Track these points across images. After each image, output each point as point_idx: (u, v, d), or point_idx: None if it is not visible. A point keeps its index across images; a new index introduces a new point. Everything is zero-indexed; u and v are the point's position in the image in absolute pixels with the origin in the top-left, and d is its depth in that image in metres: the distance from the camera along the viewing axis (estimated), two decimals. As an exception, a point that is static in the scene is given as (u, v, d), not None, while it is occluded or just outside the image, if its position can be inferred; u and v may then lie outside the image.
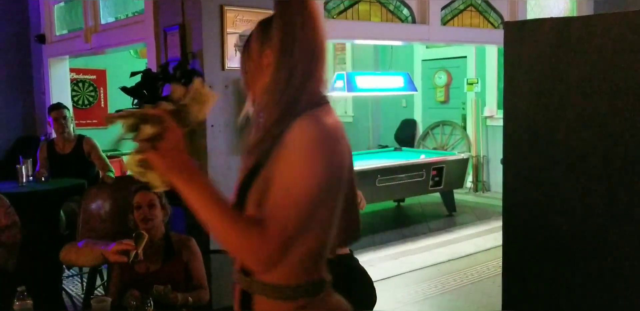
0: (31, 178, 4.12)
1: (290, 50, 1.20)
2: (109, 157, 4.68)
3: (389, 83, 6.21)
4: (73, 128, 4.49)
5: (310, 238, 1.18)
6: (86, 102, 7.51)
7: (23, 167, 4.07)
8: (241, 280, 1.25)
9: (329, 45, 8.02)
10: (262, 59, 1.26)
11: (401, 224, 6.01)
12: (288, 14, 1.21)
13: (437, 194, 6.33)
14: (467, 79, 7.59)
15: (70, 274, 3.92)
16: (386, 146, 7.74)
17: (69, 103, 5.80)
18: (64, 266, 2.40)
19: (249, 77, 1.31)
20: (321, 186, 1.13)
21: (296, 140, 1.14)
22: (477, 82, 7.50)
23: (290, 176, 1.12)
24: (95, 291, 3.01)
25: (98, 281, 3.19)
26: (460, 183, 6.25)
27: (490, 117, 7.53)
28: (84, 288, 3.64)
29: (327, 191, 1.15)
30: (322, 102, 1.25)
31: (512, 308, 2.83)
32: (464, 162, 6.20)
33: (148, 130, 1.05)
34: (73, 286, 3.93)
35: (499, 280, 3.09)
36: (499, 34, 2.92)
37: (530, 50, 2.70)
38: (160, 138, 1.07)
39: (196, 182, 1.10)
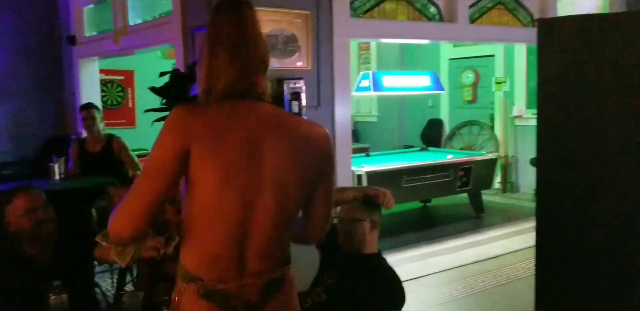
0: (63, 175, 4.20)
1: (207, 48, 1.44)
2: (138, 156, 4.74)
3: (415, 82, 6.16)
4: (103, 128, 4.56)
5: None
6: (114, 102, 7.62)
7: (56, 165, 4.16)
8: None
9: (353, 43, 7.98)
10: None
11: (427, 225, 5.95)
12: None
13: (465, 195, 6.26)
14: (495, 78, 7.49)
15: (101, 270, 3.97)
16: (412, 146, 7.69)
17: (98, 103, 5.89)
18: (95, 262, 2.44)
19: None
20: (152, 161, 1.36)
21: None
22: (506, 82, 7.39)
23: None
24: (125, 287, 3.05)
25: (128, 278, 3.23)
26: (488, 184, 6.17)
27: (519, 117, 7.41)
28: (114, 284, 3.70)
29: (155, 168, 1.36)
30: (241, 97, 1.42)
31: (545, 307, 2.77)
32: (492, 162, 6.11)
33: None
34: (103, 282, 3.99)
35: (529, 282, 3.03)
36: (529, 32, 2.87)
37: (564, 48, 2.65)
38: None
39: None
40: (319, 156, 1.47)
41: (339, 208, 2.45)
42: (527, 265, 4.48)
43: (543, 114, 2.78)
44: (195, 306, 1.37)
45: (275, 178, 1.39)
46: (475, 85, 8.16)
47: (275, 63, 3.71)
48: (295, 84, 3.71)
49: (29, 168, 5.76)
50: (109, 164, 4.46)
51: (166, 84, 3.68)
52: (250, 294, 1.39)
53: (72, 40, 5.96)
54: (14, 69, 5.92)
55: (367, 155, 6.31)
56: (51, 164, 4.17)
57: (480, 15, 5.22)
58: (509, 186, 7.42)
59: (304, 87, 3.76)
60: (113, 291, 3.56)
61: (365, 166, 5.16)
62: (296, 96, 3.72)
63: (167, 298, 1.99)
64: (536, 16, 5.51)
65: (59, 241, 2.29)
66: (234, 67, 1.39)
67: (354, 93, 5.55)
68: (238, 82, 1.40)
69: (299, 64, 3.86)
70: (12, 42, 5.92)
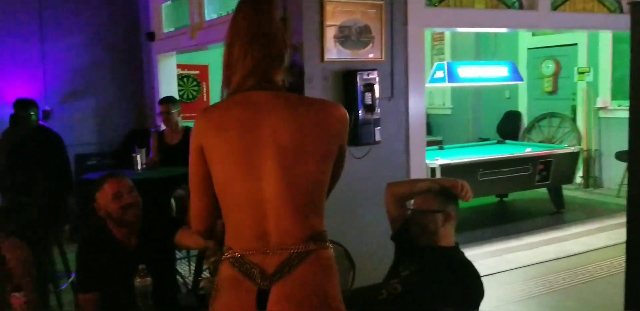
0: (144, 165, 4.38)
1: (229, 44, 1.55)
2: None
3: (492, 73, 5.97)
4: (180, 121, 4.70)
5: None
6: (190, 96, 7.83)
7: (138, 156, 4.34)
8: None
9: (426, 33, 7.84)
10: None
11: (504, 221, 5.76)
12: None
13: (543, 190, 6.02)
14: (578, 68, 7.14)
15: (179, 257, 4.11)
16: (487, 139, 7.46)
17: (175, 97, 6.09)
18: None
19: None
20: (190, 159, 1.56)
21: None
22: (589, 71, 7.03)
23: None
24: (202, 274, 3.13)
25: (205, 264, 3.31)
26: (569, 179, 5.89)
27: (604, 108, 7.04)
28: (192, 270, 3.81)
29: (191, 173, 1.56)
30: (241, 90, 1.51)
31: (636, 306, 2.62)
32: (574, 156, 5.84)
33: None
34: (181, 269, 4.13)
35: (614, 280, 2.89)
36: (616, 18, 2.68)
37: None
38: None
39: None
40: (327, 122, 1.51)
41: (412, 201, 2.40)
42: (612, 263, 4.26)
43: (636, 106, 2.61)
44: (227, 272, 1.49)
45: (278, 149, 1.46)
46: (555, 75, 7.81)
47: (348, 55, 3.68)
48: (368, 75, 3.67)
49: (112, 159, 6.04)
50: (186, 155, 4.57)
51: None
52: (269, 266, 1.45)
53: (151, 36, 6.17)
54: (98, 64, 6.21)
55: (441, 148, 6.18)
56: (134, 154, 4.35)
57: (563, 2, 4.97)
58: (591, 181, 7.08)
59: (377, 79, 3.71)
60: (191, 278, 3.67)
61: (439, 159, 5.06)
62: (369, 87, 3.68)
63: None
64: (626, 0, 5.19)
65: (143, 227, 2.37)
66: (248, 61, 1.49)
67: (428, 84, 5.44)
68: (251, 76, 1.49)
69: (372, 55, 3.81)
70: (95, 38, 6.21)
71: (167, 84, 6.24)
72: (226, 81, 1.54)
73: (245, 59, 1.49)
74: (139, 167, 4.34)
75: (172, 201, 4.13)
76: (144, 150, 4.44)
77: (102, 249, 2.35)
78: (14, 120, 3.56)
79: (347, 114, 1.57)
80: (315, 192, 1.50)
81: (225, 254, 1.51)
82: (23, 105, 3.64)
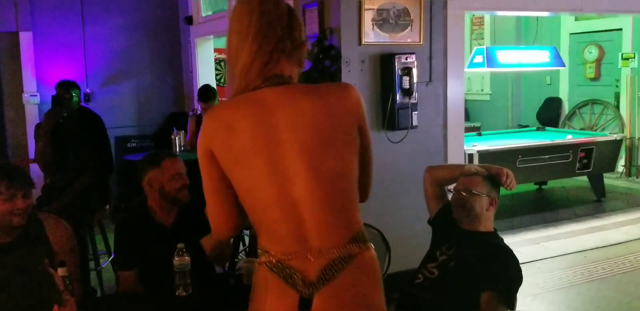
0: (182, 148, 4.46)
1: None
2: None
3: (533, 58, 5.81)
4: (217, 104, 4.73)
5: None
6: (226, 80, 7.90)
7: (177, 137, 4.43)
8: None
9: (466, 18, 7.69)
10: None
11: (543, 208, 5.66)
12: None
13: (584, 178, 5.89)
14: (622, 54, 6.93)
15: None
16: (526, 126, 7.32)
17: (212, 81, 6.13)
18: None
19: None
20: (200, 162, 1.44)
21: None
22: (634, 57, 6.81)
23: None
24: (240, 255, 3.18)
25: (240, 247, 3.36)
26: (611, 167, 5.75)
27: (649, 95, 6.82)
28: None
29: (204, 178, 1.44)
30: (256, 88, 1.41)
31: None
32: (617, 144, 5.68)
33: None
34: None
35: (658, 271, 2.81)
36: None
37: None
38: None
39: None
40: (343, 107, 1.42)
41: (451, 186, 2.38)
42: (654, 253, 4.16)
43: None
44: (266, 276, 1.38)
45: (301, 145, 1.36)
46: (599, 61, 7.59)
47: (386, 38, 3.64)
48: (407, 59, 3.62)
49: (152, 141, 6.15)
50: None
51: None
52: (311, 272, 1.35)
53: (189, 20, 6.22)
54: (138, 48, 6.28)
55: (479, 134, 6.10)
56: (172, 136, 4.43)
57: (609, -16, 4.81)
58: (634, 169, 6.89)
59: (415, 63, 3.66)
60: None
61: (477, 145, 4.99)
62: (407, 71, 3.63)
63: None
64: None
65: (183, 206, 2.42)
66: (252, 55, 1.39)
67: (466, 69, 5.35)
68: (257, 72, 1.39)
69: (410, 39, 3.75)
70: (135, 22, 6.27)
71: (205, 68, 6.29)
72: (231, 79, 1.44)
73: (249, 54, 1.39)
74: (177, 149, 4.42)
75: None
76: (182, 132, 4.52)
77: (141, 227, 2.40)
78: (56, 101, 3.63)
79: (359, 95, 1.46)
80: (347, 185, 1.40)
81: (261, 257, 1.40)
82: (65, 86, 3.70)
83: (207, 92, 4.69)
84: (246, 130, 1.36)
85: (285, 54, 1.41)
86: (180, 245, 2.04)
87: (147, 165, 2.43)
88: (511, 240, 4.47)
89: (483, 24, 8.68)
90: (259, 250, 1.42)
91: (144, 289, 2.32)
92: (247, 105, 1.39)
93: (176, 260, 2.03)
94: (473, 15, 8.51)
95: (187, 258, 2.03)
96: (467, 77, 8.26)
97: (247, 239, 3.21)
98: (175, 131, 4.53)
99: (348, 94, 1.43)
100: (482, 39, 8.70)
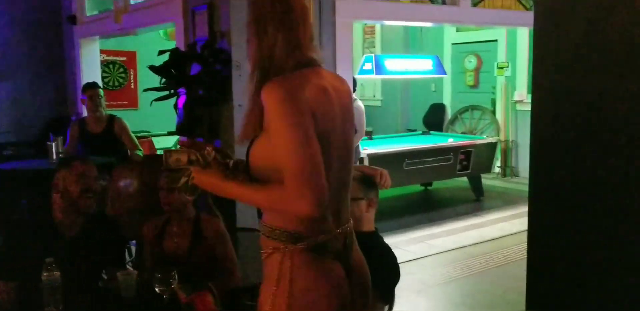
0: (61, 155, 4.20)
1: (263, 26, 1.43)
2: (138, 138, 4.74)
3: (418, 66, 6.14)
4: (104, 108, 4.55)
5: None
6: (116, 83, 7.61)
7: (53, 144, 4.14)
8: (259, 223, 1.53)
9: (358, 27, 7.92)
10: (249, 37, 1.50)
11: (428, 208, 5.99)
12: None
13: (465, 179, 6.28)
14: (498, 63, 7.46)
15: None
16: (414, 130, 7.68)
17: (99, 84, 5.89)
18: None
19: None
20: (301, 135, 1.33)
21: (267, 103, 1.36)
22: (508, 66, 7.37)
23: (277, 134, 1.35)
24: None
25: (127, 257, 3.25)
26: (488, 168, 6.18)
27: (520, 101, 7.40)
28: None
29: (310, 138, 1.33)
30: (310, 65, 1.45)
31: (536, 289, 2.80)
32: (493, 146, 6.12)
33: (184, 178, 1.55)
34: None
35: (525, 264, 3.06)
36: (531, 16, 2.85)
37: (561, 30, 2.63)
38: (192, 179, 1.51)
39: (226, 192, 1.46)
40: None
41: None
42: (524, 247, 4.49)
43: (537, 97, 2.79)
44: (307, 259, 1.44)
45: (350, 135, 1.54)
46: (477, 70, 8.13)
47: (276, 43, 3.69)
48: (296, 64, 3.70)
49: (32, 149, 5.79)
50: (109, 145, 4.46)
51: (165, 63, 3.68)
52: (339, 242, 1.51)
53: (72, 19, 5.94)
54: (14, 48, 5.90)
55: (370, 138, 6.32)
56: (49, 143, 4.16)
57: (483, -1, 5.20)
58: (508, 170, 7.44)
59: (305, 68, 3.75)
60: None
61: (367, 149, 5.17)
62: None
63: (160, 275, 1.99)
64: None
65: (90, 217, 2.34)
66: (305, 34, 1.47)
67: (357, 76, 5.54)
68: (302, 50, 1.46)
69: (301, 45, 3.84)
70: (12, 21, 5.90)
71: (90, 70, 6.04)
72: (267, 64, 1.43)
73: (300, 33, 1.44)
74: (55, 156, 4.16)
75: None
76: (60, 139, 4.25)
77: (35, 235, 2.27)
78: None
79: None
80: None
81: (297, 244, 1.43)
82: None
83: (91, 82, 4.68)
84: (333, 102, 1.45)
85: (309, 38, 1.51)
86: (48, 260, 1.92)
87: (58, 167, 2.35)
88: (399, 239, 4.70)
89: (374, 33, 9.01)
90: (287, 236, 1.44)
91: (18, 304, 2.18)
92: (323, 79, 1.46)
93: (44, 275, 1.90)
94: (365, 25, 8.82)
95: (56, 273, 1.90)
96: (360, 84, 8.54)
97: (134, 249, 3.11)
98: (52, 137, 4.24)
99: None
100: (374, 47, 9.03)
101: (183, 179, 1.53)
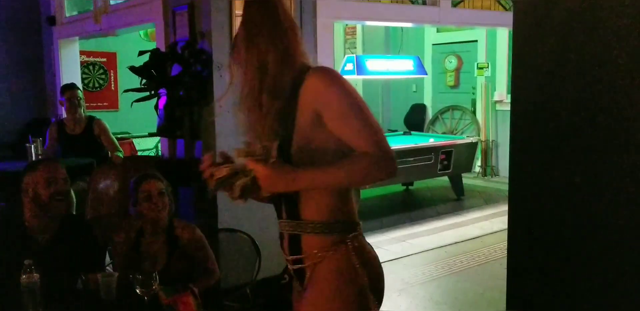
0: (40, 157, 4.16)
1: (256, 41, 1.48)
2: (119, 139, 4.71)
3: (399, 66, 6.18)
4: (83, 110, 4.52)
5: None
6: (96, 84, 7.55)
7: (32, 146, 4.10)
8: (289, 225, 1.52)
9: (339, 27, 7.93)
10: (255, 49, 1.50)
11: (409, 208, 6.02)
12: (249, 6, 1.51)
13: (446, 178, 6.33)
14: (478, 64, 7.54)
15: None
16: (395, 131, 7.73)
17: (79, 85, 5.83)
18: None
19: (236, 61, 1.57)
20: (367, 107, 1.42)
21: (319, 83, 1.41)
22: (488, 67, 7.44)
23: (339, 107, 1.40)
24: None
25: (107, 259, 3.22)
26: (468, 167, 6.24)
27: (500, 101, 7.48)
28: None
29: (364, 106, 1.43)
30: (304, 70, 1.48)
31: (517, 288, 2.84)
32: (473, 146, 6.18)
33: (242, 181, 1.41)
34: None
35: (505, 262, 3.10)
36: (510, 16, 2.89)
37: (540, 30, 2.67)
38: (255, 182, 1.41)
39: (303, 181, 1.41)
40: None
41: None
42: (505, 246, 4.54)
43: (516, 99, 2.81)
44: (363, 241, 1.56)
45: None
46: (458, 70, 8.20)
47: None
48: (277, 65, 3.70)
49: (10, 151, 5.70)
50: (89, 146, 4.42)
51: (146, 64, 3.66)
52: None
53: (51, 20, 5.87)
54: (-7, 48, 5.83)
55: (350, 139, 6.33)
56: (27, 145, 4.11)
57: (463, 0, 5.25)
58: (489, 169, 7.52)
59: (286, 69, 3.75)
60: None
61: (348, 149, 5.19)
62: (278, 77, 3.71)
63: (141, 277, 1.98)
64: None
65: (65, 220, 2.31)
66: (300, 41, 1.54)
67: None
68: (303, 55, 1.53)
69: (282, 45, 3.85)
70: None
71: (70, 71, 5.97)
72: (292, 61, 1.48)
73: (298, 39, 1.52)
74: (34, 158, 4.11)
75: (72, 194, 3.96)
76: (39, 140, 4.21)
77: (6, 239, 2.24)
78: None
79: None
80: None
81: (357, 229, 1.54)
82: None
83: (70, 83, 4.68)
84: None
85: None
86: (27, 262, 1.89)
87: (25, 170, 2.31)
88: (380, 239, 4.73)
89: (356, 34, 9.04)
90: (349, 224, 1.51)
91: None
92: None
93: (23, 278, 1.87)
94: (346, 25, 8.84)
95: (35, 276, 1.88)
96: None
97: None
98: (30, 138, 4.19)
99: None
100: (355, 47, 9.06)
101: (242, 181, 1.41)
